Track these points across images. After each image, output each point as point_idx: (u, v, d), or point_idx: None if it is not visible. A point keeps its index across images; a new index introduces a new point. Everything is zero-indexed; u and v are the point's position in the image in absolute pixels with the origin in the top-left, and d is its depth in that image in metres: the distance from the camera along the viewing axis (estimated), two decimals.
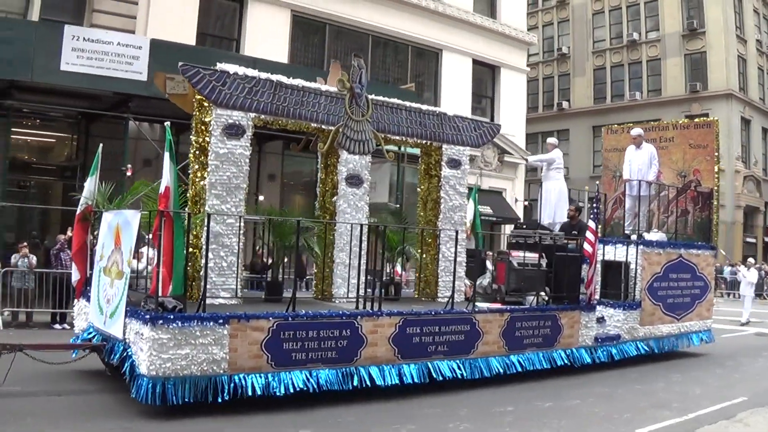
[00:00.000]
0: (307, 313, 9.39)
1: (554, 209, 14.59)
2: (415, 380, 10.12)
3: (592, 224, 12.17)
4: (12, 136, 17.48)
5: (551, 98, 50.10)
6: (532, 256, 12.00)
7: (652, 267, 13.42)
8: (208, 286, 9.87)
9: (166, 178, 8.78)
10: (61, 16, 19.74)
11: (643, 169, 14.62)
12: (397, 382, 9.96)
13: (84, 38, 16.65)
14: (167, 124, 9.11)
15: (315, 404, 9.21)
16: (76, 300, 10.94)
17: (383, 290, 12.22)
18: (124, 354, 8.93)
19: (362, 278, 10.49)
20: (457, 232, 11.47)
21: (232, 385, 8.79)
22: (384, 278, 11.84)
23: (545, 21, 51.26)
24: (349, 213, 11.17)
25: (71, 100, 18.17)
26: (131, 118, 17.53)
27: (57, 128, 20.52)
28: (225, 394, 8.72)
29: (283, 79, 10.52)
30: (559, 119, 48.69)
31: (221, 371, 8.71)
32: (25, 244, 15.65)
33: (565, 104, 48.62)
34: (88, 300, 10.09)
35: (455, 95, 28.10)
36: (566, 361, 11.98)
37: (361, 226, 10.26)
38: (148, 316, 8.38)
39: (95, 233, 10.22)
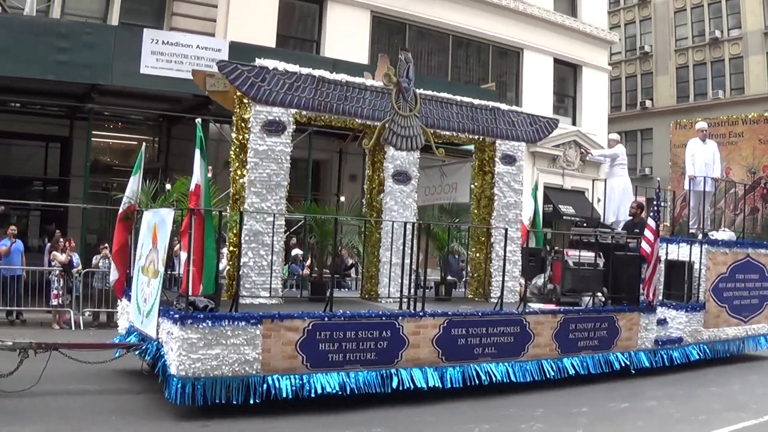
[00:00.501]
0: (345, 314, 8.66)
1: (618, 207, 13.40)
2: (459, 384, 9.27)
3: (651, 223, 11.02)
4: (93, 139, 17.27)
5: (634, 97, 47.70)
6: (588, 255, 10.95)
7: (717, 267, 12.13)
8: (248, 285, 9.36)
9: (197, 176, 8.22)
10: (141, 19, 19.52)
11: (709, 164, 13.30)
12: (440, 385, 9.13)
13: (163, 41, 16.26)
14: (198, 120, 8.52)
15: (393, 403, 8.74)
16: (119, 300, 10.53)
17: (434, 290, 11.48)
18: (158, 354, 8.43)
19: (408, 278, 9.65)
20: (507, 230, 10.50)
21: (265, 386, 8.15)
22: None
23: (627, 19, 48.90)
24: (396, 210, 10.34)
25: (151, 102, 17.86)
26: (211, 120, 17.02)
27: (138, 131, 20.21)
28: (257, 396, 8.09)
29: (326, 74, 9.80)
30: (642, 118, 46.31)
31: (254, 372, 8.09)
32: (107, 245, 15.43)
33: (648, 103, 46.18)
34: (129, 299, 9.64)
35: (537, 95, 26.81)
36: (624, 365, 10.89)
37: (405, 224, 9.47)
38: (177, 316, 7.85)
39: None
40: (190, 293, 8.09)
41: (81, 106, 16.10)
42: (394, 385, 8.82)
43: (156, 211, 9.04)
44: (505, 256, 10.27)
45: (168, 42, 16.33)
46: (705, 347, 12.08)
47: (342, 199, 20.29)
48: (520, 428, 8.15)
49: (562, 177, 26.82)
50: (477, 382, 9.41)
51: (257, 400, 8.10)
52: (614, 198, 13.43)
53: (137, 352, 9.15)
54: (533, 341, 10.00)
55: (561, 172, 26.80)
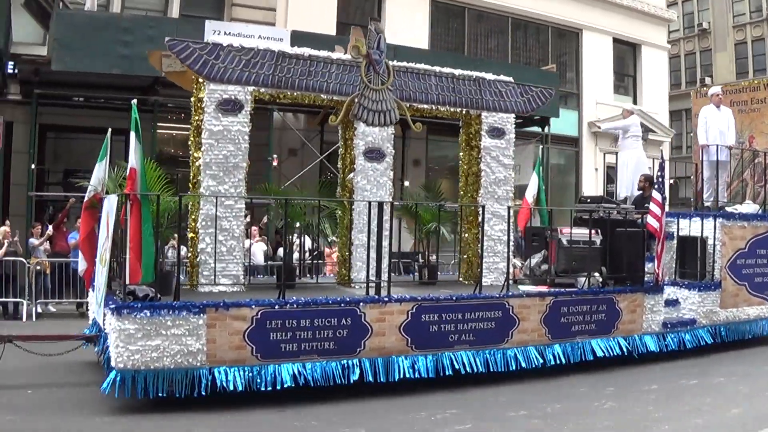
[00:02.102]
0: (298, 301, 7.90)
1: (631, 181, 12.08)
2: (431, 374, 8.39)
3: (656, 195, 9.78)
4: (158, 131, 17.11)
5: (693, 74, 45.14)
6: (583, 233, 9.80)
7: (734, 242, 10.77)
8: (206, 273, 8.68)
9: (132, 159, 7.56)
10: (201, 11, 19.13)
11: (724, 132, 11.83)
12: (411, 375, 8.27)
13: (225, 32, 15.60)
14: (134, 102, 7.86)
15: (467, 386, 8.47)
16: (88, 291, 10.01)
17: (418, 274, 10.55)
18: (105, 345, 7.87)
19: (377, 261, 8.75)
20: (484, 207, 9.46)
21: (211, 378, 7.50)
22: (419, 261, 10.09)
23: None
24: (369, 190, 9.46)
25: None
26: (275, 108, 16.55)
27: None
28: (203, 389, 7.42)
29: (287, 48, 9.07)
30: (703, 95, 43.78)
31: (198, 364, 7.44)
32: (175, 235, 15.03)
33: (708, 80, 43.57)
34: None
35: (597, 75, 25.79)
36: (626, 350, 9.74)
37: (370, 204, 8.57)
38: (113, 306, 7.26)
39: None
40: (127, 282, 7.43)
41: (145, 98, 15.75)
42: (355, 376, 8.01)
43: (108, 198, 8.43)
44: (482, 234, 9.25)
45: (230, 33, 15.66)
46: (722, 329, 10.74)
47: (406, 183, 19.85)
48: (592, 406, 7.95)
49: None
50: (451, 372, 8.48)
51: (203, 393, 7.43)
52: (626, 172, 12.11)
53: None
54: (518, 326, 9.01)
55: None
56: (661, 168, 9.92)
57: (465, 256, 10.54)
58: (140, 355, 7.19)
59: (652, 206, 9.78)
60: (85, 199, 9.24)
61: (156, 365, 7.27)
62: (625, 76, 28.15)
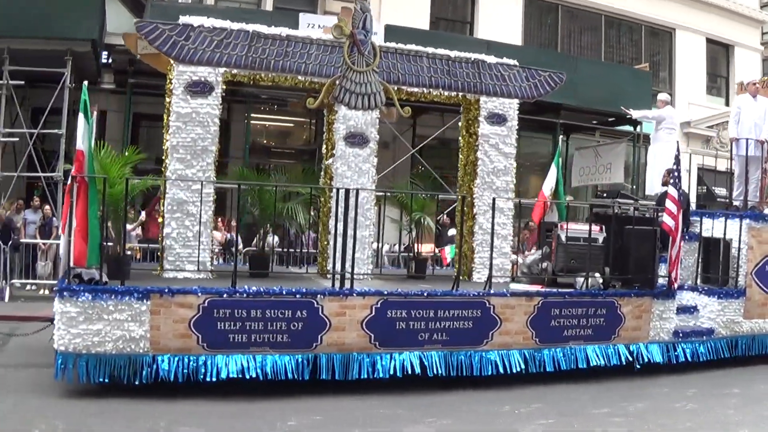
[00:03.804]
0: (248, 290, 7.38)
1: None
2: (398, 374, 7.69)
3: (673, 192, 8.62)
4: (252, 122, 17.13)
5: None
6: (583, 229, 8.76)
7: (763, 246, 9.45)
8: (171, 258, 8.31)
9: (80, 141, 7.24)
10: (295, 4, 18.96)
11: (759, 124, 10.33)
12: (371, 376, 7.62)
13: (319, 26, 15.33)
14: (85, 83, 7.52)
15: (550, 381, 8.29)
16: None
17: (406, 267, 9.79)
18: None
19: (352, 252, 8.10)
20: (464, 198, 8.60)
21: (155, 366, 7.12)
22: (408, 253, 9.34)
23: None
24: (349, 177, 8.84)
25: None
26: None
27: (294, 113, 19.54)
28: (145, 377, 7.07)
29: (262, 28, 8.49)
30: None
31: (141, 351, 7.10)
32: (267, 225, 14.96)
33: None
34: None
35: (690, 75, 24.57)
36: (627, 359, 8.68)
37: (338, 190, 7.93)
38: (56, 288, 7.03)
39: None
40: (72, 264, 7.14)
41: (238, 89, 15.47)
42: (306, 376, 7.45)
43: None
44: (462, 226, 8.51)
45: (323, 26, 15.26)
46: (744, 341, 9.42)
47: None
48: (674, 407, 7.84)
49: (715, 158, 24.18)
50: (418, 371, 7.75)
51: (144, 381, 7.07)
52: (656, 166, 10.82)
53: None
54: (500, 328, 8.16)
55: (714, 153, 24.01)
56: (677, 161, 8.74)
57: (462, 250, 9.66)
58: (81, 338, 6.95)
59: (668, 203, 8.67)
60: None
61: (98, 350, 7.00)
62: (718, 77, 26.72)
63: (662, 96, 11.55)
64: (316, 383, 7.51)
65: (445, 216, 15.35)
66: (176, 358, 7.17)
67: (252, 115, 16.96)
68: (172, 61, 8.24)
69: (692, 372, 9.10)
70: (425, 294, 7.94)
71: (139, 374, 7.09)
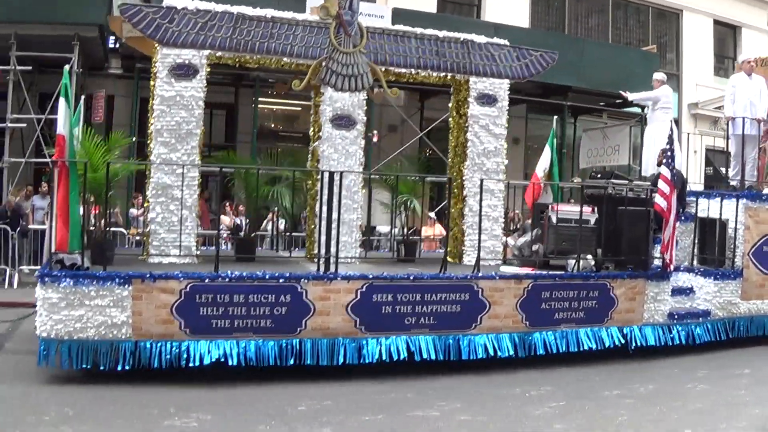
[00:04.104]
0: (231, 275, 7.29)
1: None
2: (384, 359, 7.58)
3: (665, 172, 8.41)
4: (259, 106, 17.04)
5: None
6: (574, 210, 8.57)
7: (761, 227, 9.24)
8: (156, 243, 8.23)
9: (60, 126, 7.15)
10: None
11: (755, 103, 10.05)
12: (356, 361, 7.53)
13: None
14: (66, 68, 7.44)
15: (560, 364, 8.28)
16: None
17: (395, 251, 9.64)
18: None
19: (337, 235, 7.97)
20: (450, 179, 8.42)
21: (137, 352, 7.07)
22: (396, 237, 9.21)
23: None
24: (336, 159, 8.68)
25: None
26: (377, 85, 16.15)
27: (301, 96, 19.63)
28: (128, 363, 7.02)
29: (247, 10, 8.34)
30: None
31: (123, 336, 7.04)
32: (276, 209, 14.85)
33: None
34: None
35: (697, 56, 24.46)
36: (620, 342, 8.52)
37: (323, 173, 7.79)
38: (37, 274, 6.97)
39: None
40: (54, 249, 7.10)
41: (245, 74, 15.56)
42: (291, 360, 7.34)
43: None
44: (449, 208, 8.21)
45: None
46: (742, 323, 9.22)
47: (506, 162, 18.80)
48: (684, 388, 7.82)
49: (724, 139, 23.95)
50: (405, 356, 7.64)
51: (126, 367, 7.02)
52: (653, 147, 10.56)
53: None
54: (489, 311, 8.02)
55: (722, 134, 23.64)
56: (670, 141, 8.54)
57: (451, 233, 9.51)
58: (63, 324, 6.90)
59: (661, 183, 8.45)
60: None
61: (80, 336, 6.95)
62: (725, 58, 26.44)
63: (658, 75, 11.27)
64: (328, 367, 7.48)
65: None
66: (159, 344, 7.11)
67: (260, 99, 16.85)
68: (156, 44, 8.14)
69: (702, 353, 9.06)
70: (411, 277, 7.81)
71: (122, 360, 7.06)
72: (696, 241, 9.42)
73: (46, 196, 13.99)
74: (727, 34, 26.36)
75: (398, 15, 14.98)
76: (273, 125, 19.99)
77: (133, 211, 14.01)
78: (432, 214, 14.52)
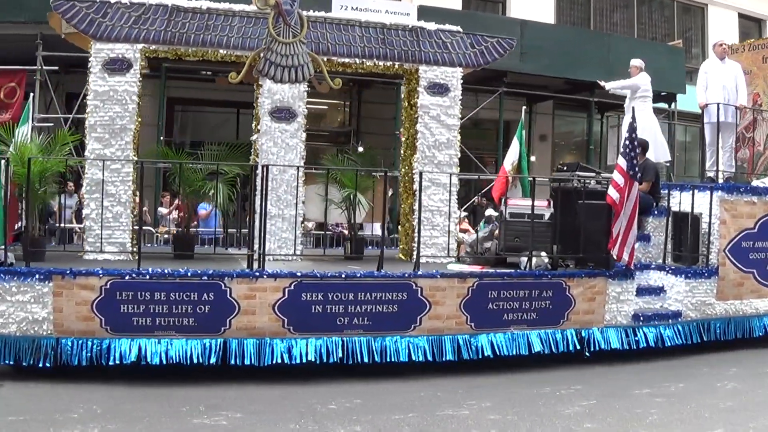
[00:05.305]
0: (151, 272, 7.57)
1: None
2: (312, 359, 7.71)
3: (622, 162, 8.26)
4: None
5: None
6: (526, 204, 8.49)
7: (738, 221, 9.03)
8: (91, 240, 8.57)
9: None
10: None
11: (729, 88, 9.68)
12: (286, 361, 7.69)
13: (352, 7, 15.63)
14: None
15: (590, 362, 8.49)
16: None
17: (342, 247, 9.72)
18: None
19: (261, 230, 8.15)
20: (387, 173, 8.48)
21: (59, 348, 7.41)
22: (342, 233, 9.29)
23: None
24: (276, 153, 8.90)
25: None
26: (402, 83, 16.57)
27: (328, 95, 20.17)
28: (49, 360, 7.39)
29: (182, 2, 8.66)
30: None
31: (45, 333, 7.44)
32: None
33: None
34: None
35: None
36: (578, 345, 8.41)
37: (252, 167, 7.97)
38: None
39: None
40: None
41: None
42: (213, 360, 7.55)
43: None
44: (386, 203, 8.26)
45: (356, 8, 15.68)
46: (719, 324, 9.00)
47: (533, 159, 19.77)
48: (715, 386, 8.04)
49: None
50: (334, 358, 7.75)
51: (48, 364, 7.38)
52: None
53: None
54: (429, 312, 8.06)
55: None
56: (631, 129, 8.34)
57: (403, 229, 9.53)
58: None
59: (615, 174, 8.31)
60: None
61: (2, 331, 7.36)
62: None
63: (635, 62, 11.02)
64: (357, 366, 7.79)
65: (481, 198, 15.44)
66: (80, 341, 7.47)
67: None
68: (90, 40, 8.48)
69: (733, 350, 9.25)
70: (343, 276, 7.97)
71: (43, 357, 7.41)
72: (671, 238, 9.20)
73: (74, 194, 14.78)
74: (752, 28, 26.80)
75: (424, 13, 15.31)
76: None
77: (162, 210, 14.77)
78: (463, 213, 14.60)
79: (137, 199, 13.27)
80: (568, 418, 6.69)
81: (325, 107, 20.89)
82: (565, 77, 17.92)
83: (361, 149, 16.52)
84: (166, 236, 13.67)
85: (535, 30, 17.15)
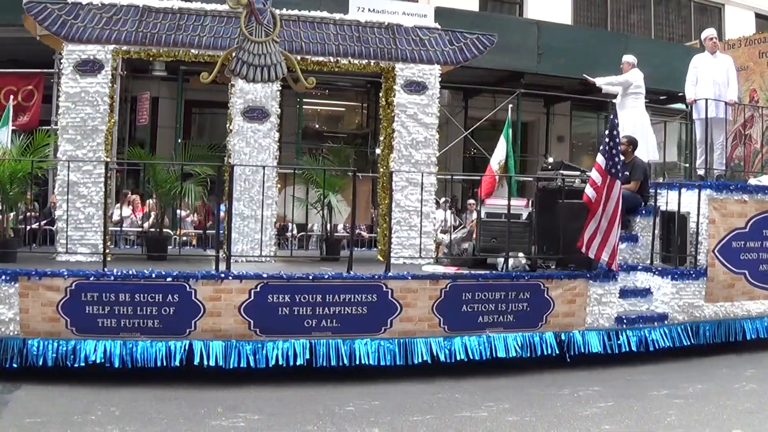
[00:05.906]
0: (116, 273, 7.75)
1: None
2: (280, 362, 7.81)
3: (600, 160, 8.19)
4: (304, 107, 18.16)
5: None
6: (504, 204, 8.44)
7: (728, 220, 8.95)
8: (63, 241, 8.82)
9: None
10: None
11: (720, 83, 9.47)
12: (252, 365, 7.79)
13: (369, 9, 15.76)
14: None
15: (608, 364, 8.69)
16: None
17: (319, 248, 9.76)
18: None
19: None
20: (355, 172, 8.55)
21: (25, 349, 7.63)
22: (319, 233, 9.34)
23: None
24: (248, 153, 9.04)
25: None
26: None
27: (345, 97, 20.88)
28: (15, 360, 7.62)
29: (153, 2, 8.88)
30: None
31: (11, 334, 7.68)
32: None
33: None
34: None
35: None
36: (556, 349, 8.36)
37: (220, 167, 8.09)
38: None
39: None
40: None
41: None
42: (177, 362, 7.70)
43: None
44: (355, 203, 8.31)
45: (373, 9, 15.84)
46: (708, 327, 8.85)
47: (551, 159, 19.50)
48: (733, 387, 8.16)
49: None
50: (302, 361, 7.83)
51: (15, 365, 7.60)
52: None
53: None
54: (400, 314, 8.12)
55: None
56: (612, 126, 8.25)
57: (380, 229, 9.55)
58: None
59: (593, 172, 8.26)
60: None
61: None
62: None
63: (628, 57, 10.92)
64: (376, 368, 7.99)
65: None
66: (45, 342, 7.70)
67: (304, 99, 17.78)
68: (62, 41, 8.71)
69: (752, 351, 9.40)
70: (311, 277, 8.07)
71: (9, 358, 7.62)
72: (660, 238, 9.08)
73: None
74: None
75: (440, 14, 15.46)
76: (317, 125, 21.04)
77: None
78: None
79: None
80: (587, 420, 6.88)
81: (343, 109, 21.33)
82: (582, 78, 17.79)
83: (378, 151, 16.66)
84: (184, 239, 13.78)
85: (552, 31, 17.33)
